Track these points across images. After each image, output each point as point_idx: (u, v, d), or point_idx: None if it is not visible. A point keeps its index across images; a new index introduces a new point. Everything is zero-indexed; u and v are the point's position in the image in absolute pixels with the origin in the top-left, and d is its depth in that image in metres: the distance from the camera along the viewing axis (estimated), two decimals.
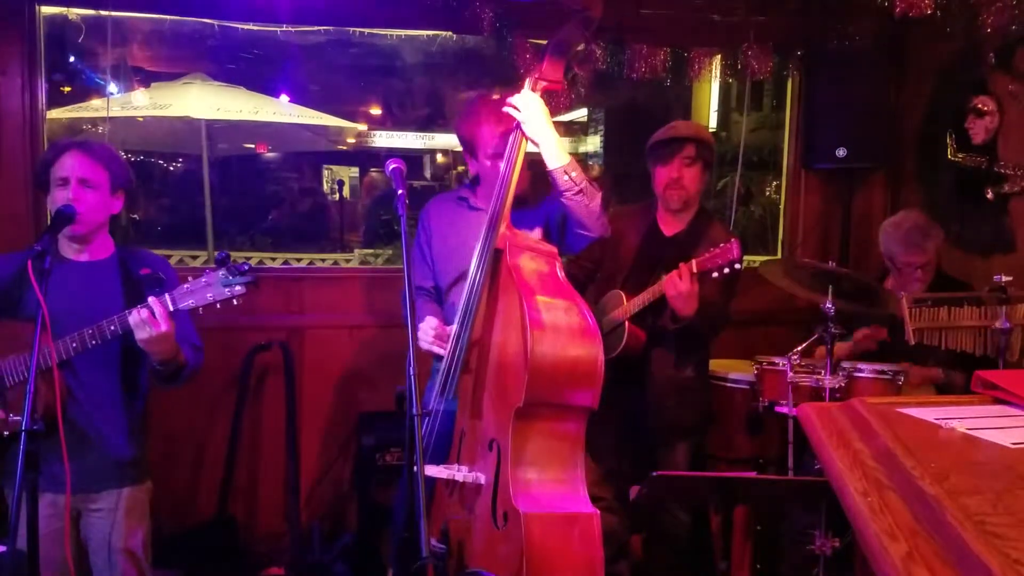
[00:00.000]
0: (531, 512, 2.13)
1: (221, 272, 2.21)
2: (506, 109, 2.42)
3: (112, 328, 2.28)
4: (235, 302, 2.24)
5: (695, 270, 2.76)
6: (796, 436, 2.98)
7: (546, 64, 2.42)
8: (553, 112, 2.53)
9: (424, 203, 2.85)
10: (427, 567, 1.84)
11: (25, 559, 1.97)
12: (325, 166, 8.82)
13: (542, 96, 2.42)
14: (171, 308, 2.24)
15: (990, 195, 3.54)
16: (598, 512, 2.20)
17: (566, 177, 2.41)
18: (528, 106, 2.38)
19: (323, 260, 6.30)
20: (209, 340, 2.67)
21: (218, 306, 2.24)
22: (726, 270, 2.72)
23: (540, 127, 2.38)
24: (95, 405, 2.46)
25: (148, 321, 2.24)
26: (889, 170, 4.19)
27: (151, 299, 2.25)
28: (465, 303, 2.41)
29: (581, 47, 2.51)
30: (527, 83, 2.44)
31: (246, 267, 2.23)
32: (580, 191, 2.43)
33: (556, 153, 2.40)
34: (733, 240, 2.72)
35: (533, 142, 2.43)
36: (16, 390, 2.28)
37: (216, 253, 2.26)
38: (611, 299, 3.08)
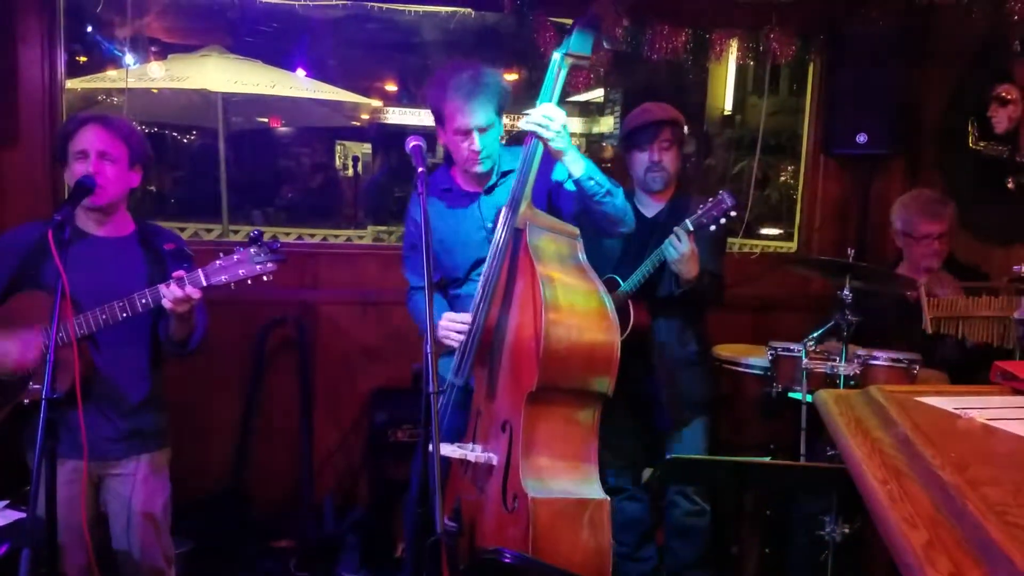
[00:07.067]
0: (539, 496, 2.12)
1: (253, 249, 2.27)
2: (530, 126, 2.31)
3: (143, 301, 2.32)
4: (265, 278, 2.29)
5: (691, 228, 2.80)
6: (809, 422, 2.98)
7: (575, 39, 2.36)
8: (571, 91, 2.47)
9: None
10: (440, 545, 1.85)
11: (44, 525, 1.99)
12: (338, 141, 8.81)
13: (568, 74, 2.37)
14: (204, 283, 2.28)
15: (1011, 184, 3.50)
16: (608, 499, 2.19)
17: (592, 182, 2.34)
18: (554, 122, 2.29)
19: (336, 236, 6.30)
20: (223, 314, 2.69)
21: (249, 282, 2.29)
22: (723, 220, 2.80)
23: (566, 142, 2.32)
24: (121, 374, 2.49)
25: (180, 295, 2.27)
26: (909, 157, 4.14)
27: (184, 273, 2.29)
28: (483, 283, 2.38)
29: (611, 25, 2.45)
30: (554, 55, 2.38)
31: (277, 245, 2.30)
32: (607, 192, 2.37)
33: (579, 162, 2.34)
34: (722, 192, 2.80)
35: (556, 156, 2.35)
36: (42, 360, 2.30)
37: (251, 231, 2.30)
38: (605, 284, 3.08)
